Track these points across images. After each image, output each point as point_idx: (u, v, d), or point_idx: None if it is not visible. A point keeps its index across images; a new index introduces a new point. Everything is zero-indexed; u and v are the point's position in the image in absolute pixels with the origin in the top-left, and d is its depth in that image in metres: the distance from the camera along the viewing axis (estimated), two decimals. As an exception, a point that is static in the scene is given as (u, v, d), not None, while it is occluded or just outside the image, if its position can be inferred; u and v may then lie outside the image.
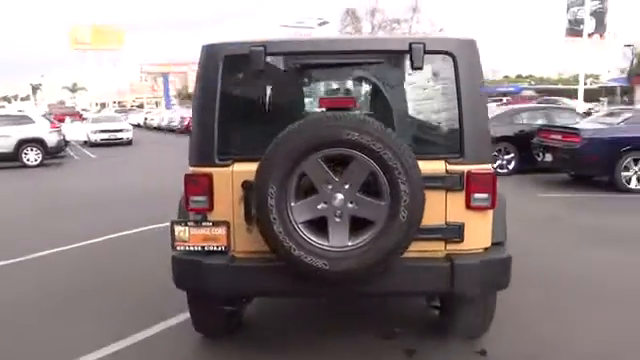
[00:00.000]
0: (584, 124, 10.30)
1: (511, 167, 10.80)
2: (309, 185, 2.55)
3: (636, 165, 8.73)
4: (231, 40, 2.87)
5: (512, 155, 10.78)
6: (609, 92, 61.94)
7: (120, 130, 22.86)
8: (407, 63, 2.76)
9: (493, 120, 9.53)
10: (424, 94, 2.85)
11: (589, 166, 9.10)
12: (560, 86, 59.31)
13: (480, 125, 2.80)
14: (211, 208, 2.82)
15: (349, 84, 2.90)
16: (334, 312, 3.91)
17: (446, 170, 2.73)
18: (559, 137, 9.46)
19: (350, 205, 2.54)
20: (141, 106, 65.34)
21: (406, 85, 2.86)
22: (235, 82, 2.87)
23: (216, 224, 2.81)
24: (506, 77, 66.18)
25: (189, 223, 2.85)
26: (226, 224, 2.80)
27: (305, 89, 2.93)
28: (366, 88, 2.84)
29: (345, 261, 2.54)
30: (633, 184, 8.71)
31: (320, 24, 24.03)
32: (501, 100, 33.98)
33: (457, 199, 2.75)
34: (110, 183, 11.30)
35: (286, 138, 2.48)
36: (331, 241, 2.56)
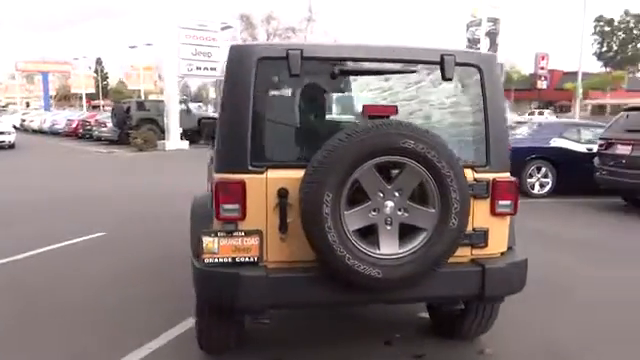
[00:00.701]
0: None
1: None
2: (359, 193, 2.52)
3: (539, 172, 9.63)
4: (263, 42, 2.77)
5: None
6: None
7: (1, 133, 20.72)
8: (437, 74, 2.83)
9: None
10: (452, 104, 2.94)
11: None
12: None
13: (503, 135, 2.95)
14: (243, 217, 2.68)
15: (383, 92, 2.92)
16: (331, 320, 3.87)
17: (474, 178, 2.83)
18: None
19: (400, 213, 2.55)
20: (6, 106, 59.95)
21: (436, 95, 2.93)
22: (269, 86, 2.76)
23: (248, 234, 2.68)
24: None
25: (219, 233, 2.68)
26: (259, 233, 2.68)
27: (339, 95, 2.90)
28: (398, 96, 2.86)
29: (397, 269, 2.54)
30: (536, 189, 9.62)
31: (223, 28, 23.65)
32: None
33: (483, 206, 2.86)
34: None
35: (341, 144, 2.43)
36: (382, 249, 2.55)
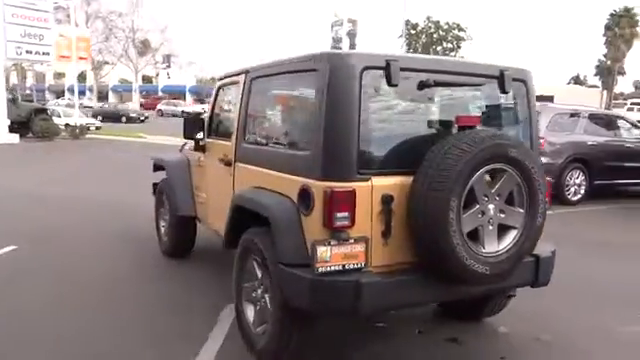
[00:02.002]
0: None
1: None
2: (469, 197, 2.74)
3: None
4: (360, 51, 2.83)
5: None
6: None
7: None
8: (495, 87, 3.17)
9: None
10: (505, 115, 3.31)
11: None
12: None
13: (538, 140, 3.40)
14: (352, 224, 2.72)
15: (462, 103, 3.16)
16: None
17: None
18: None
19: (499, 214, 2.84)
20: None
21: (494, 106, 3.27)
22: (371, 95, 2.81)
23: (357, 241, 2.73)
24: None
25: (332, 242, 2.69)
26: (365, 240, 2.75)
27: (428, 105, 3.05)
28: (469, 107, 3.13)
29: (498, 265, 2.83)
30: None
31: (56, 8, 21.20)
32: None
33: None
34: None
35: (465, 153, 2.63)
36: (486, 248, 2.81)
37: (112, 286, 4.57)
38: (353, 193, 2.71)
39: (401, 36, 65.32)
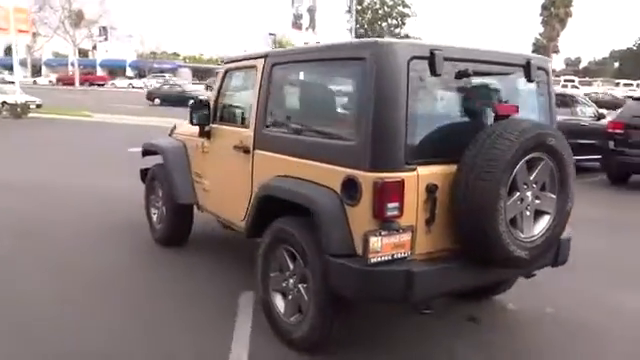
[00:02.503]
0: None
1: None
2: (512, 186, 2.83)
3: None
4: (407, 41, 2.82)
5: None
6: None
7: None
8: (522, 75, 3.26)
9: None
10: (531, 102, 3.39)
11: None
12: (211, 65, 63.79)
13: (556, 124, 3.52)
14: (401, 214, 2.76)
15: (497, 91, 3.21)
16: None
17: None
18: None
19: (536, 201, 2.95)
20: None
21: (523, 94, 3.36)
22: (417, 84, 2.81)
23: (404, 230, 2.77)
24: (165, 53, 67.07)
25: (382, 232, 2.71)
26: (411, 229, 2.79)
27: (467, 94, 3.07)
28: (502, 95, 3.19)
29: (535, 249, 2.95)
30: None
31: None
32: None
33: None
34: None
35: (512, 143, 2.70)
36: (524, 233, 2.92)
37: (116, 279, 4.41)
38: (402, 183, 2.73)
39: (348, 11, 65.38)
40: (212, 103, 4.29)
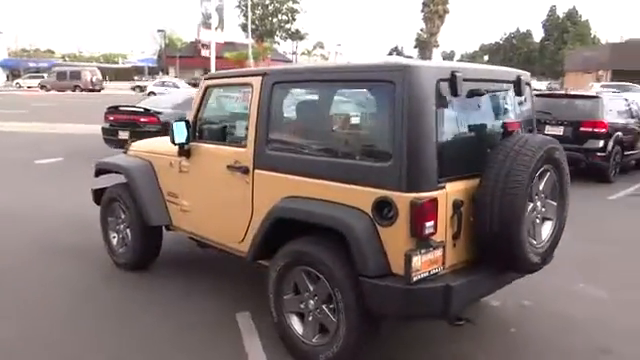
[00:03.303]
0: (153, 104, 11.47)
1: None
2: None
3: None
4: (432, 63, 2.93)
5: None
6: (139, 71, 67.19)
7: None
8: (512, 90, 3.50)
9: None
10: (521, 115, 3.64)
11: None
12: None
13: None
14: (435, 231, 2.86)
15: (501, 107, 3.40)
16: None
17: None
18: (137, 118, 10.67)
19: (542, 209, 3.19)
20: None
21: (517, 108, 3.59)
22: (442, 105, 2.91)
23: (437, 247, 2.88)
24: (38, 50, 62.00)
25: (422, 251, 2.80)
26: (442, 245, 2.91)
27: (478, 112, 3.21)
28: (504, 111, 3.41)
29: (544, 253, 3.20)
30: None
31: None
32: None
33: None
34: None
35: (531, 158, 2.90)
36: (536, 239, 3.15)
37: (93, 307, 4.10)
38: (437, 202, 2.84)
39: (238, 6, 64.51)
40: (191, 120, 4.11)
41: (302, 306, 3.34)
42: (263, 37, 64.22)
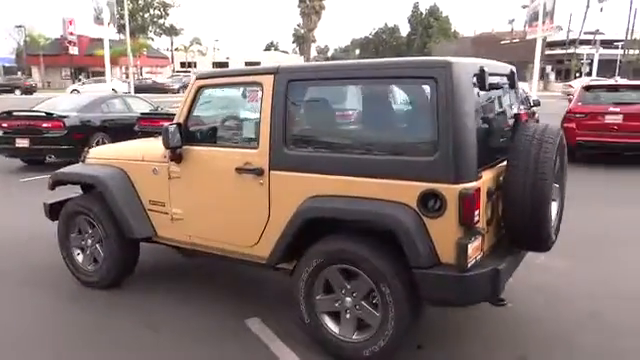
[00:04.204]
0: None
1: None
2: None
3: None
4: (467, 60, 3.06)
5: None
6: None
7: None
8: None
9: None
10: (518, 104, 3.90)
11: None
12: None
13: None
14: (479, 220, 3.00)
15: (508, 99, 3.60)
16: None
17: None
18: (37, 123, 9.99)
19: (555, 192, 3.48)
20: None
21: (515, 99, 3.84)
22: (475, 99, 3.05)
23: (482, 234, 3.04)
24: None
25: (472, 239, 2.93)
26: (483, 231, 3.07)
27: (496, 103, 3.38)
28: (510, 101, 3.64)
29: (556, 231, 3.48)
30: None
31: None
32: None
33: None
34: None
35: (553, 145, 3.15)
36: (552, 219, 3.41)
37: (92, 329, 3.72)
38: (479, 191, 2.98)
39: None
40: (182, 122, 3.86)
41: (337, 305, 3.32)
42: (135, 33, 60.97)
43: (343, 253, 3.20)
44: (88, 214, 4.38)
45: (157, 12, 66.56)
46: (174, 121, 3.85)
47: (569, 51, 54.98)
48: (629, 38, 52.06)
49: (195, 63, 68.29)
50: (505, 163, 3.22)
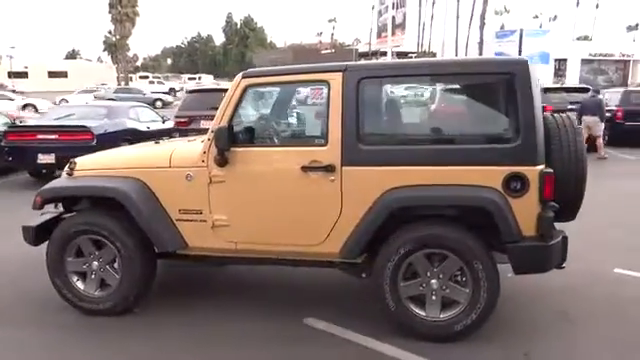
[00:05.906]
0: None
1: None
2: None
3: None
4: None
5: None
6: None
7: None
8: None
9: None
10: None
11: None
12: None
13: None
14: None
15: None
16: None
17: None
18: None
19: None
20: None
21: None
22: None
23: (554, 207, 3.45)
24: None
25: (550, 212, 3.39)
26: (555, 206, 3.47)
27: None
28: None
29: None
30: None
31: None
32: None
33: None
34: None
35: (580, 135, 3.76)
36: None
37: None
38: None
39: None
40: (227, 124, 3.68)
41: (422, 288, 3.53)
42: None
43: (434, 238, 3.43)
44: (99, 232, 3.88)
45: None
46: (219, 123, 3.66)
47: (373, 61, 61.02)
48: (420, 50, 59.63)
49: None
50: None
